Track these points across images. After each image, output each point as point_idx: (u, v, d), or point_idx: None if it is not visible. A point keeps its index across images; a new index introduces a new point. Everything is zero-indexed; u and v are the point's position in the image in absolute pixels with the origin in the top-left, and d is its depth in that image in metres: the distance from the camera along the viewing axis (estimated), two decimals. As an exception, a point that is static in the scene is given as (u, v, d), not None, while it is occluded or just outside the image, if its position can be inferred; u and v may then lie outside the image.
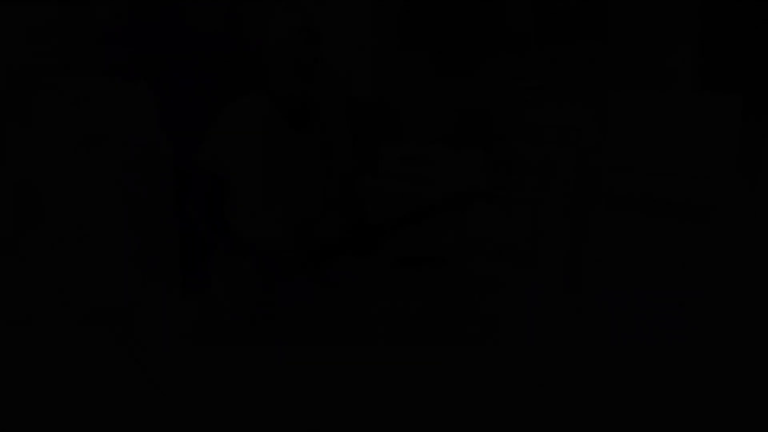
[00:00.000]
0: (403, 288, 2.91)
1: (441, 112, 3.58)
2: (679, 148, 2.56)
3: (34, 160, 3.24)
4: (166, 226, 2.90)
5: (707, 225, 2.32)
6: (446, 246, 3.02)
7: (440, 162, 3.35)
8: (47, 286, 3.19)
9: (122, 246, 3.26)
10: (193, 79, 3.12)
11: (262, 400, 2.79)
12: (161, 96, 3.38)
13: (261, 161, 2.48)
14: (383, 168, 3.56)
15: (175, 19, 3.82)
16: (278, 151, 2.52)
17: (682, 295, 2.25)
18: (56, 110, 3.24)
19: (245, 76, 4.04)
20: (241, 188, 2.56)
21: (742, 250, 2.34)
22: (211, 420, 2.72)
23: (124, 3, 3.76)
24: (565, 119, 2.93)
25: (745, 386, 2.23)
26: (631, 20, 3.08)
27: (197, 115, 3.32)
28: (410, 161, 3.45)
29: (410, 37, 3.76)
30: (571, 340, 2.31)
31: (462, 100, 3.55)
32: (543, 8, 3.51)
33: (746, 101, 2.66)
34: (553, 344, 2.36)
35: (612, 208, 2.57)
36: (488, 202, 2.66)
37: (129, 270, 3.13)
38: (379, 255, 3.05)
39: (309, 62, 2.41)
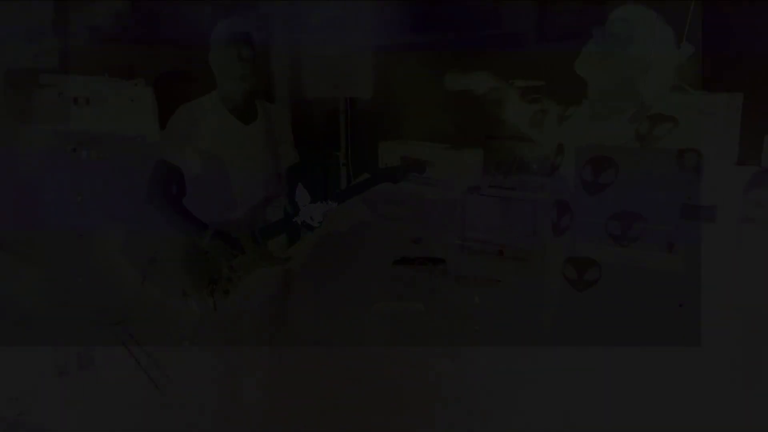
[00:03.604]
0: (403, 288, 2.91)
1: (441, 112, 3.57)
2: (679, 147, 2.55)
3: (34, 160, 3.23)
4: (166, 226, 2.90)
5: (706, 225, 2.32)
6: (446, 246, 3.02)
7: (440, 162, 3.34)
8: (48, 286, 3.19)
9: (122, 245, 3.25)
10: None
11: (261, 400, 2.79)
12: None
13: (209, 151, 2.68)
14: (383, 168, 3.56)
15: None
16: (227, 142, 2.70)
17: (681, 295, 2.24)
18: (56, 110, 3.24)
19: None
20: (196, 176, 2.71)
21: (741, 251, 2.34)
22: (211, 420, 2.72)
23: (124, 3, 3.75)
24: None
25: (744, 386, 2.23)
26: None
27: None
28: (410, 161, 3.44)
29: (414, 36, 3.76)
30: (571, 339, 2.31)
31: (462, 100, 3.54)
32: (543, 7, 3.50)
33: (746, 100, 2.66)
34: (553, 344, 2.36)
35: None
36: (420, 171, 2.76)
37: (129, 269, 3.13)
38: (378, 255, 3.06)
39: (245, 67, 2.63)
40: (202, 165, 2.71)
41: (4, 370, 2.97)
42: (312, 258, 3.14)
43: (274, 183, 2.80)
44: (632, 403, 2.16)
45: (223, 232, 2.66)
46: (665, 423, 2.15)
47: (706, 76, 2.74)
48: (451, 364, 2.64)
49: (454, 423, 2.57)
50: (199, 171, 2.72)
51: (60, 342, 3.07)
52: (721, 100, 2.60)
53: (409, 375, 2.67)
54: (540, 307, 2.36)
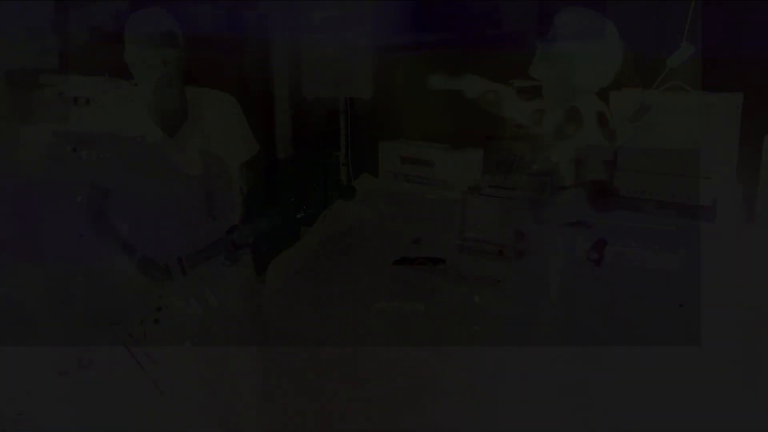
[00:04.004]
0: (403, 288, 2.91)
1: (441, 112, 3.57)
2: (678, 147, 2.56)
3: (34, 160, 3.23)
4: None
5: (706, 225, 2.32)
6: (446, 246, 3.02)
7: (440, 162, 3.34)
8: (48, 286, 3.18)
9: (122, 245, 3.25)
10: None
11: (260, 400, 2.79)
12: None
13: (135, 170, 2.50)
14: (383, 168, 3.56)
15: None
16: (154, 158, 2.52)
17: (681, 295, 2.25)
18: (56, 110, 3.24)
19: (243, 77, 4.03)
20: (125, 196, 2.55)
21: (741, 251, 2.34)
22: (211, 420, 2.72)
23: (124, 3, 3.75)
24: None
25: (744, 386, 2.23)
26: (630, 20, 3.07)
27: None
28: (410, 161, 3.45)
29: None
30: (571, 339, 2.31)
31: (462, 100, 3.54)
32: (543, 7, 3.50)
33: (746, 100, 2.65)
34: (553, 344, 2.36)
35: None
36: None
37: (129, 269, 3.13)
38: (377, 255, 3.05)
39: (170, 70, 2.41)
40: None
41: (4, 370, 2.97)
42: (312, 257, 3.14)
43: (211, 200, 2.59)
44: (632, 403, 2.16)
45: (150, 257, 2.49)
46: (665, 423, 2.15)
47: (706, 76, 2.74)
48: (451, 364, 2.64)
49: (454, 423, 2.57)
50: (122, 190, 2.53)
51: (60, 342, 3.06)
52: (721, 100, 2.60)
53: (409, 375, 2.67)
54: (541, 307, 2.36)
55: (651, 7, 2.99)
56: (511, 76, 3.25)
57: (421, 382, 2.64)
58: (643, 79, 2.80)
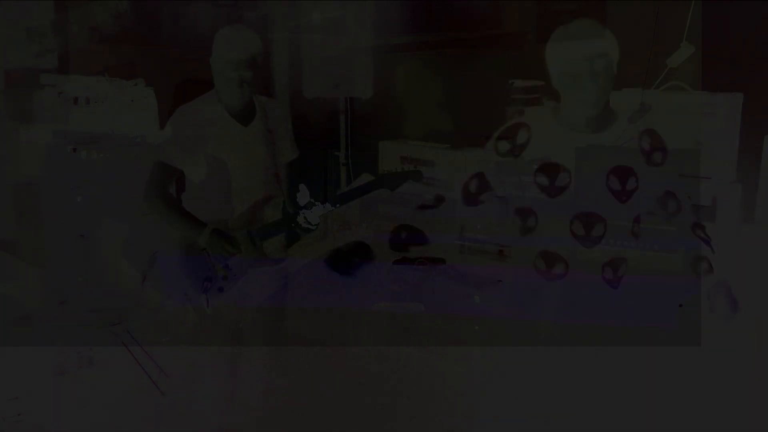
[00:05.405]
0: (403, 288, 2.91)
1: (441, 112, 3.57)
2: (679, 147, 2.56)
3: (34, 160, 3.23)
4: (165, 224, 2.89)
5: (706, 225, 2.32)
6: (446, 246, 3.01)
7: (440, 162, 3.34)
8: (48, 286, 3.19)
9: (123, 245, 3.25)
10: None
11: (261, 400, 2.79)
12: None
13: (210, 154, 2.71)
14: (383, 168, 3.56)
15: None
16: (227, 144, 2.74)
17: (681, 295, 2.24)
18: (56, 110, 3.24)
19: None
20: (200, 179, 2.73)
21: (741, 251, 2.34)
22: (211, 420, 2.72)
23: (124, 3, 3.75)
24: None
25: (745, 386, 2.23)
26: (631, 20, 3.07)
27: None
28: (410, 161, 3.44)
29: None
30: (571, 339, 2.31)
31: (462, 100, 3.54)
32: (543, 7, 3.50)
33: (746, 100, 2.65)
34: (553, 344, 2.36)
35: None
36: (418, 179, 2.80)
37: (129, 269, 3.13)
38: (378, 255, 3.05)
39: (248, 78, 2.67)
40: (205, 168, 2.72)
41: (4, 370, 2.97)
42: (312, 257, 3.14)
43: (273, 182, 2.81)
44: (632, 403, 2.15)
45: (221, 230, 2.67)
46: (666, 423, 2.15)
47: (706, 76, 2.74)
48: (452, 364, 2.64)
49: (453, 423, 2.57)
50: (203, 174, 2.74)
51: (60, 342, 3.07)
52: (721, 100, 2.60)
53: (410, 375, 2.67)
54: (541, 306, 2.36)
55: (651, 6, 3.00)
56: (511, 76, 3.25)
57: (421, 382, 2.64)
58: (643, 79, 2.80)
